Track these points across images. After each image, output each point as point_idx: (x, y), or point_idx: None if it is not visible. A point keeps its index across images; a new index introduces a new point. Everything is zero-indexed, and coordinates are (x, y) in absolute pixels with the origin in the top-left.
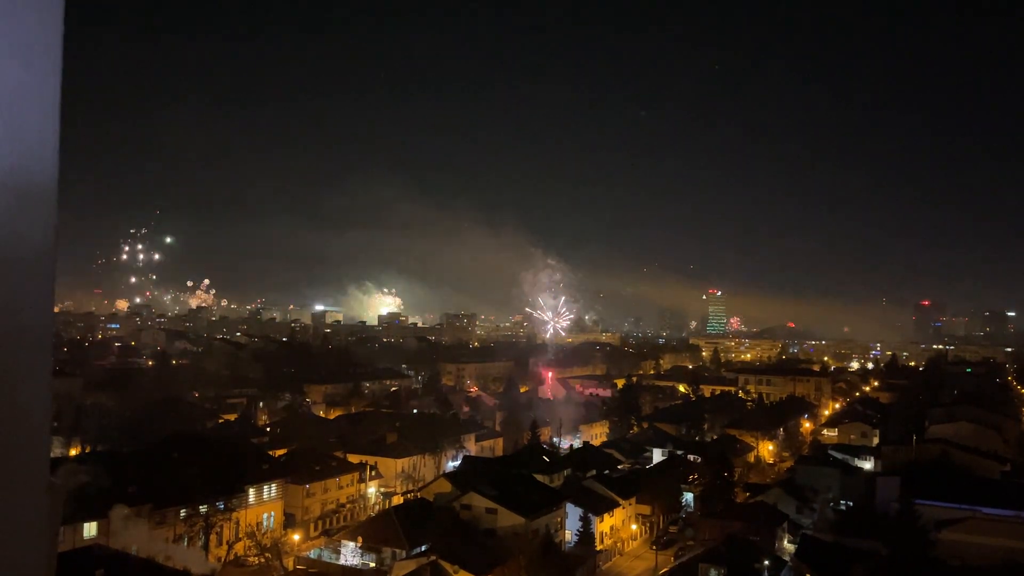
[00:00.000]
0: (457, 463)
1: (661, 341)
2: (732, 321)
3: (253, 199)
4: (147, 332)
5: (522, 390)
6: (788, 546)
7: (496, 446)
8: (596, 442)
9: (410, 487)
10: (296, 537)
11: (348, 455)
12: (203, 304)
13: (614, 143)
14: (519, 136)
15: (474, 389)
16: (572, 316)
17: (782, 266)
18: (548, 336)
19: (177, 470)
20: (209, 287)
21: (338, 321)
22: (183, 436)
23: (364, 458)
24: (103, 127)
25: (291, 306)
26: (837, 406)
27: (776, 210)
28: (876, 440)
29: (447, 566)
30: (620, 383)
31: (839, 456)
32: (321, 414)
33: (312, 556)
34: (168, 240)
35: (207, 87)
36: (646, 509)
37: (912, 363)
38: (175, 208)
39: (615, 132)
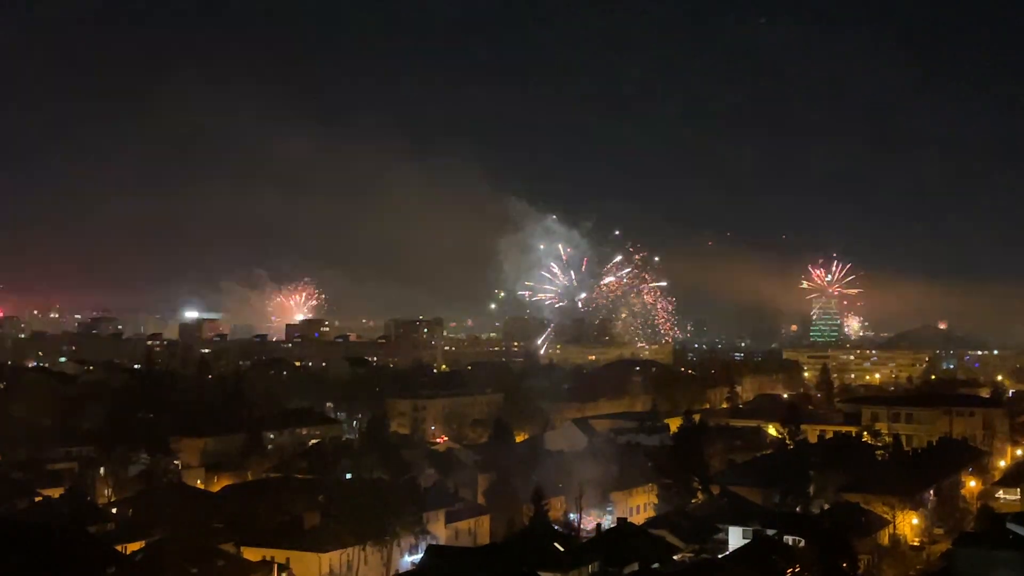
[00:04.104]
0: (417, 558)
1: (738, 356)
2: (850, 323)
3: (68, 141)
4: None
5: (519, 439)
6: None
7: (479, 528)
8: (638, 519)
9: None
10: None
11: (243, 548)
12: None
13: (657, 31)
14: (503, 29)
15: (442, 439)
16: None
17: (928, 237)
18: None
19: None
20: None
21: (222, 335)
22: None
23: (269, 552)
24: None
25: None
26: (1020, 452)
27: (919, 149)
28: None
29: None
30: (674, 424)
31: None
32: (199, 484)
33: None
34: None
35: None
36: None
37: None
38: None
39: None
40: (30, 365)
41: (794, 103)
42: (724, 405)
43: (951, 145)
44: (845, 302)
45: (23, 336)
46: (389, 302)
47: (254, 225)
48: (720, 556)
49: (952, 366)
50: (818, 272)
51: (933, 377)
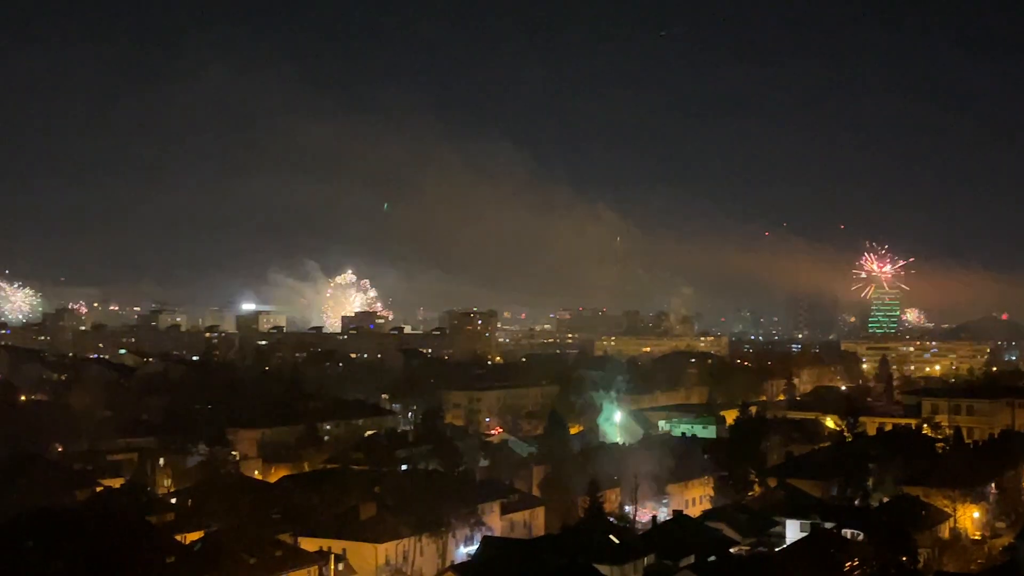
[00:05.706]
0: (473, 548)
1: (796, 348)
2: (910, 314)
3: (127, 143)
4: None
5: (574, 431)
6: None
7: (534, 520)
8: (694, 511)
9: None
10: None
11: (300, 538)
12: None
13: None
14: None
15: (497, 430)
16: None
17: (989, 227)
18: None
19: (33, 565)
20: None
21: (279, 328)
22: (41, 513)
23: (326, 543)
24: None
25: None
26: None
27: (979, 133)
28: None
29: None
30: (730, 416)
31: None
32: (257, 474)
33: None
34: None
35: None
36: None
37: None
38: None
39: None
40: (91, 357)
41: (854, 92)
42: (781, 397)
43: (1014, 135)
44: (905, 293)
45: (84, 329)
46: (444, 294)
47: (300, 217)
48: (777, 549)
49: (1014, 357)
50: (877, 263)
51: (995, 369)
